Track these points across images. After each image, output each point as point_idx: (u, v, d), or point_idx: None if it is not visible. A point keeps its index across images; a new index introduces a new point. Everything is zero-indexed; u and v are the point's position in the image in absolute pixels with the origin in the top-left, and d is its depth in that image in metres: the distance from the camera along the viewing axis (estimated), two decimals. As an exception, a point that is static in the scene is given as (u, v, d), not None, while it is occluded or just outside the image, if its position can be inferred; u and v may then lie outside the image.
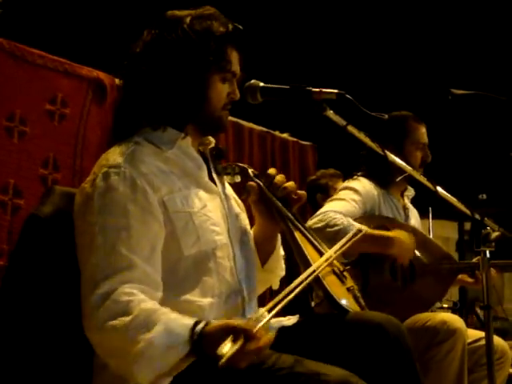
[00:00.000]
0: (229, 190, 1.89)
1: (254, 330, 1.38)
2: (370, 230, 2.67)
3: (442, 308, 3.45)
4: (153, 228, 1.61)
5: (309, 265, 1.69)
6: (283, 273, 1.98)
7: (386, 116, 1.70)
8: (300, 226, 1.80)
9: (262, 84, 1.79)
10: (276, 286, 1.97)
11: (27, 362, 1.63)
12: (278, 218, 1.80)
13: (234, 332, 1.38)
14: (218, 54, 1.71)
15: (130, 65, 1.73)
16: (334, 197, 2.94)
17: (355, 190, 2.90)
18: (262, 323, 1.41)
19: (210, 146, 1.88)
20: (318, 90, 1.72)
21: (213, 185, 1.79)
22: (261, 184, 1.81)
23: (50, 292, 1.64)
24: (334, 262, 1.83)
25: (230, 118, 4.01)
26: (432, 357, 2.64)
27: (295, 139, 4.75)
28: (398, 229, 2.83)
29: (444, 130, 4.45)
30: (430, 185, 1.85)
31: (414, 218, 3.14)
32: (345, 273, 1.85)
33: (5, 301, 1.65)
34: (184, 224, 1.65)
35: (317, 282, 1.67)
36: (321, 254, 1.78)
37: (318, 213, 2.79)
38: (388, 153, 1.80)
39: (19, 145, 2.84)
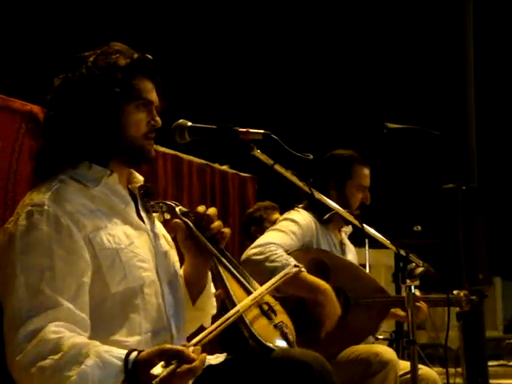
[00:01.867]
0: (158, 227, 1.89)
1: (187, 352, 1.42)
2: (305, 274, 2.70)
3: (377, 339, 3.49)
4: (78, 267, 1.60)
5: (234, 304, 1.69)
6: (214, 310, 1.98)
7: (311, 156, 1.73)
8: (227, 264, 1.80)
9: (189, 124, 1.81)
10: (208, 324, 1.96)
11: None
12: (206, 255, 1.81)
13: (168, 355, 1.42)
14: (125, 84, 1.73)
15: (46, 110, 1.78)
16: (275, 227, 2.96)
17: (295, 222, 2.94)
18: (190, 344, 1.45)
19: (138, 184, 1.88)
20: (244, 130, 1.75)
21: (140, 222, 1.79)
22: (188, 222, 1.81)
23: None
24: (265, 297, 1.84)
25: (169, 150, 4.06)
26: (366, 388, 2.68)
27: (235, 171, 4.78)
28: (335, 263, 2.87)
29: (379, 163, 4.55)
30: (356, 222, 1.89)
31: (351, 254, 3.19)
32: (276, 307, 1.86)
33: None
34: (111, 261, 1.65)
35: (241, 321, 1.67)
36: (248, 292, 1.79)
37: (258, 243, 2.80)
38: (315, 191, 1.83)
39: None
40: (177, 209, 1.84)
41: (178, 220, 1.82)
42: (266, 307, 1.81)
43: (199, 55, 4.96)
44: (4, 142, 3.01)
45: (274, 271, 2.60)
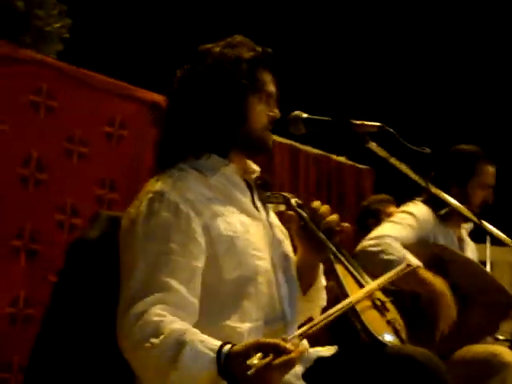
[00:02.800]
0: (273, 218, 1.91)
1: (284, 345, 1.40)
2: (421, 271, 2.65)
3: (497, 340, 3.36)
4: (193, 252, 1.64)
5: (347, 296, 1.69)
6: (324, 303, 1.98)
7: (428, 150, 1.69)
8: (342, 258, 1.80)
9: (305, 115, 1.82)
10: (316, 316, 1.97)
11: None
12: (319, 248, 1.81)
13: (264, 348, 1.41)
14: (250, 76, 1.77)
15: (173, 95, 1.81)
16: (391, 219, 2.93)
17: (413, 215, 2.89)
18: (292, 336, 1.45)
19: (254, 175, 1.90)
20: (359, 122, 1.74)
21: (256, 211, 1.82)
22: (303, 214, 1.82)
23: (93, 314, 1.69)
24: (377, 293, 1.82)
25: (286, 140, 4.10)
26: (482, 390, 2.60)
27: (352, 163, 4.74)
28: (453, 259, 2.79)
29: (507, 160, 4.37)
30: (474, 218, 1.83)
31: (471, 250, 3.08)
32: (387, 304, 1.84)
33: (51, 320, 1.71)
34: (226, 248, 1.68)
35: (353, 313, 1.67)
36: (361, 286, 1.77)
37: (374, 234, 2.78)
38: (430, 185, 1.78)
39: (78, 165, 2.94)
40: (292, 200, 1.85)
41: (291, 212, 1.83)
42: (378, 303, 1.79)
43: (315, 46, 4.95)
44: (130, 130, 3.17)
45: (389, 264, 2.57)
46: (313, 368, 1.78)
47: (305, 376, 1.76)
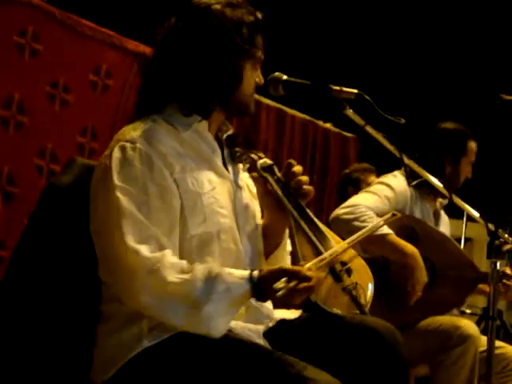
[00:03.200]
0: (243, 178, 1.90)
1: (305, 273, 1.55)
2: (393, 237, 2.70)
3: (463, 313, 3.42)
4: (171, 204, 1.65)
5: (298, 262, 1.72)
6: None
7: (403, 120, 1.70)
8: (302, 222, 1.80)
9: (285, 77, 1.82)
10: None
11: (33, 331, 1.70)
12: (283, 213, 1.82)
13: (289, 274, 1.54)
14: (250, 41, 1.75)
15: (164, 46, 1.76)
16: (368, 189, 2.95)
17: (390, 187, 2.91)
18: (309, 265, 1.61)
19: (227, 133, 1.89)
20: (338, 88, 1.74)
21: (224, 170, 1.81)
22: (268, 177, 1.82)
23: (62, 260, 1.71)
24: (344, 257, 1.83)
25: (273, 103, 4.08)
26: (442, 361, 2.65)
27: (338, 130, 4.74)
28: (426, 232, 2.83)
29: (492, 136, 4.39)
30: (445, 192, 1.85)
31: (445, 225, 3.13)
32: (355, 265, 1.84)
33: (18, 264, 1.73)
34: (192, 204, 1.68)
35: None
36: (318, 253, 1.78)
37: (349, 203, 2.81)
38: (404, 157, 1.80)
39: (60, 111, 2.93)
40: (258, 162, 1.83)
41: (255, 174, 1.83)
42: (338, 267, 1.79)
43: (299, 11, 4.91)
44: (116, 80, 3.15)
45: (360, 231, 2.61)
46: (275, 328, 1.82)
47: (266, 334, 1.79)
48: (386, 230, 2.71)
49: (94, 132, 3.07)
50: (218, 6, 1.75)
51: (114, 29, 3.18)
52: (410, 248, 2.71)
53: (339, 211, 2.78)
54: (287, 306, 1.64)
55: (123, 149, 1.66)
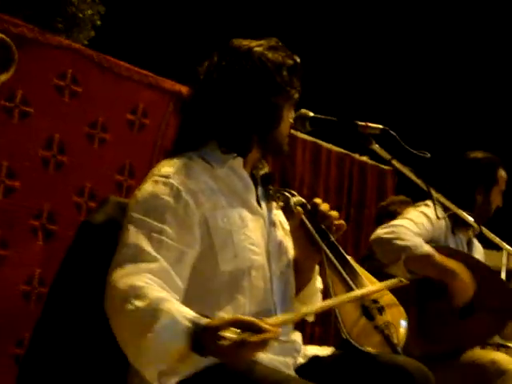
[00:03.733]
0: (277, 214, 1.92)
1: (262, 325, 1.42)
2: (436, 256, 2.68)
3: (503, 346, 3.35)
4: (185, 239, 1.66)
5: (329, 298, 1.72)
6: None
7: (428, 154, 1.72)
8: (333, 259, 1.81)
9: (311, 114, 1.85)
10: (311, 319, 1.95)
11: (70, 366, 1.74)
12: (314, 250, 1.84)
13: (241, 325, 1.42)
14: (289, 83, 1.79)
15: (205, 84, 1.80)
16: (404, 216, 2.94)
17: (427, 216, 2.90)
18: (272, 319, 1.47)
19: (262, 171, 1.92)
20: (363, 123, 1.77)
21: (258, 207, 1.84)
22: (300, 215, 1.84)
23: (93, 296, 1.74)
24: (376, 296, 1.82)
25: (309, 137, 4.10)
26: (478, 396, 2.61)
27: (374, 163, 4.74)
28: (463, 263, 2.80)
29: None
30: (475, 225, 1.85)
31: (479, 254, 3.10)
32: (384, 304, 1.84)
33: (54, 300, 1.78)
34: (223, 240, 1.71)
35: (335, 318, 1.70)
36: (350, 290, 1.79)
37: (390, 224, 2.81)
38: (432, 190, 1.81)
39: (99, 150, 3.01)
40: (291, 200, 1.87)
41: (298, 209, 1.85)
42: (370, 305, 1.79)
43: (325, 47, 4.97)
44: (152, 118, 3.23)
45: (403, 249, 2.62)
46: (306, 365, 1.82)
47: (297, 371, 1.80)
48: (431, 249, 2.70)
49: (132, 170, 3.14)
50: (259, 49, 1.80)
51: (150, 69, 3.27)
52: (453, 269, 2.70)
53: (380, 231, 2.77)
54: (235, 362, 1.46)
55: (156, 183, 1.71)
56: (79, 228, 1.83)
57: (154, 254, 1.60)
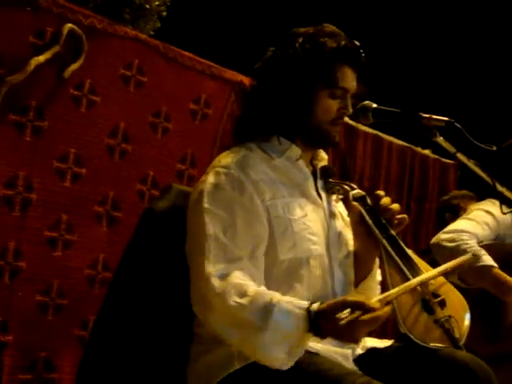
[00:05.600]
0: (337, 206, 1.94)
1: (369, 303, 1.49)
2: (496, 271, 2.64)
3: None
4: (256, 229, 1.70)
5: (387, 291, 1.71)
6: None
7: (495, 147, 1.69)
8: (392, 252, 1.80)
9: (374, 105, 1.84)
10: None
11: (133, 349, 1.79)
12: (374, 242, 1.83)
13: (351, 305, 1.50)
14: (326, 70, 1.78)
15: (253, 80, 1.89)
16: (467, 216, 2.90)
17: (490, 213, 2.85)
18: (377, 298, 1.54)
19: (321, 163, 1.94)
20: (427, 115, 1.75)
21: (317, 198, 1.86)
22: (359, 208, 1.84)
23: (158, 282, 1.79)
24: (436, 289, 1.80)
25: (370, 130, 4.08)
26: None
27: (437, 156, 4.66)
28: None
29: None
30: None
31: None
32: (446, 298, 1.82)
33: (118, 286, 1.83)
34: (283, 229, 1.73)
35: (393, 312, 1.69)
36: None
37: (451, 228, 2.77)
38: (497, 185, 1.77)
39: (161, 140, 3.06)
40: (350, 193, 1.87)
41: (354, 203, 1.85)
42: (431, 299, 1.77)
43: (392, 40, 4.90)
44: (214, 108, 3.26)
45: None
46: (364, 356, 1.82)
47: (355, 361, 1.80)
48: (490, 261, 2.66)
49: (193, 159, 3.18)
50: (300, 38, 1.82)
51: (213, 59, 3.30)
52: (509, 282, 2.64)
53: (441, 236, 2.74)
54: (351, 340, 1.55)
55: (217, 174, 1.75)
56: (143, 214, 1.87)
57: (234, 249, 1.64)
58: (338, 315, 1.49)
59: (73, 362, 2.69)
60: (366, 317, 1.48)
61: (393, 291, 1.62)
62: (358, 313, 1.48)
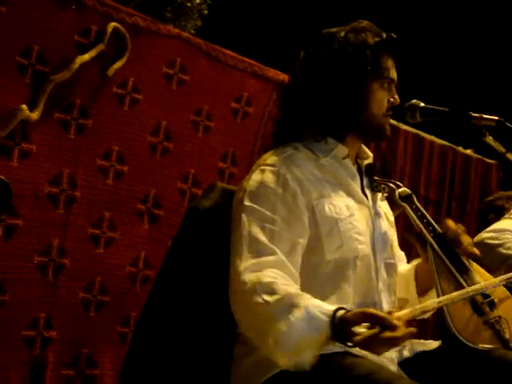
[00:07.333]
0: (382, 206, 1.91)
1: (393, 321, 1.43)
2: None
3: None
4: (296, 228, 1.69)
5: (438, 296, 1.68)
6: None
7: (546, 148, 1.65)
8: (441, 254, 1.77)
9: (422, 104, 1.82)
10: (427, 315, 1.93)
11: (176, 348, 1.79)
12: (420, 243, 1.81)
13: (373, 319, 1.45)
14: (374, 62, 1.78)
15: (292, 80, 1.86)
16: (509, 216, 2.86)
17: None
18: (400, 313, 1.48)
19: (366, 161, 1.92)
20: (477, 115, 1.72)
21: (363, 197, 1.84)
22: (406, 207, 1.82)
23: (202, 281, 1.79)
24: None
25: (411, 129, 4.04)
26: None
27: (479, 156, 4.59)
28: None
29: None
30: None
31: None
32: (496, 298, 1.78)
33: (162, 283, 1.83)
34: (329, 229, 1.72)
35: (443, 314, 1.66)
36: (459, 286, 1.73)
37: (493, 228, 2.74)
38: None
39: (203, 138, 3.07)
40: (397, 191, 1.85)
41: (399, 202, 1.83)
42: (480, 300, 1.75)
43: (440, 37, 4.83)
44: (256, 107, 3.25)
45: (507, 259, 2.54)
46: (412, 359, 1.80)
47: (402, 364, 1.78)
48: None
49: (234, 158, 3.18)
50: (342, 34, 1.81)
51: (255, 58, 3.29)
52: None
53: (484, 235, 2.72)
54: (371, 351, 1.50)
55: (263, 172, 1.74)
56: (187, 213, 1.87)
57: (270, 245, 1.63)
58: (354, 328, 1.45)
59: (114, 359, 2.71)
60: (385, 335, 1.43)
61: (420, 306, 1.56)
62: (375, 330, 1.43)
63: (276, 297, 1.53)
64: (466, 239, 1.80)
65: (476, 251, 1.79)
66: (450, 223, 1.83)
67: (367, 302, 1.74)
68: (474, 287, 1.68)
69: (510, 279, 1.74)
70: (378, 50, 1.79)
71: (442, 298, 1.62)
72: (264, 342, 1.56)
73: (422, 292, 1.89)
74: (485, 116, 1.71)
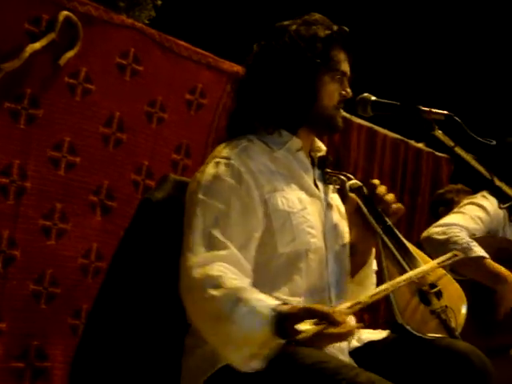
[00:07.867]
0: (334, 198, 1.94)
1: (336, 316, 1.45)
2: (489, 261, 2.65)
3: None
4: (251, 221, 1.70)
5: (384, 282, 1.72)
6: (373, 287, 2.00)
7: (494, 142, 1.69)
8: (388, 242, 1.81)
9: (373, 98, 1.84)
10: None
11: (127, 340, 1.80)
12: (370, 233, 1.84)
13: (317, 315, 1.47)
14: (324, 55, 1.80)
15: (245, 72, 1.89)
16: (459, 210, 2.91)
17: (482, 207, 2.87)
18: (341, 307, 1.52)
19: (319, 153, 1.94)
20: (427, 109, 1.75)
21: (315, 189, 1.86)
22: (356, 198, 1.84)
23: (154, 272, 1.79)
24: (433, 279, 1.82)
25: (365, 122, 4.09)
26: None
27: (430, 150, 4.67)
28: None
29: None
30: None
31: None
32: (443, 288, 1.82)
33: (114, 275, 1.82)
34: (282, 223, 1.73)
35: (389, 303, 1.70)
36: (404, 273, 1.78)
37: (441, 222, 2.79)
38: (495, 178, 1.78)
39: (156, 129, 3.05)
40: (347, 183, 1.88)
41: (349, 194, 1.86)
42: (427, 290, 1.78)
43: (391, 31, 4.91)
44: (210, 99, 3.24)
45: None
46: (361, 349, 1.83)
47: (352, 354, 1.81)
48: (482, 252, 2.67)
49: (188, 149, 3.17)
50: (293, 27, 1.83)
51: (209, 49, 3.28)
52: (504, 275, 2.65)
53: (432, 230, 2.76)
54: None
55: (217, 164, 1.75)
56: (140, 205, 1.86)
57: (223, 239, 1.64)
58: (297, 326, 1.46)
59: (65, 351, 2.68)
60: (329, 332, 1.46)
61: (364, 297, 1.59)
62: (321, 326, 1.45)
63: (222, 291, 1.54)
64: (388, 197, 1.83)
65: (400, 208, 1.82)
66: (376, 181, 1.86)
67: (317, 292, 1.77)
68: (410, 273, 1.74)
69: (448, 261, 1.79)
70: (329, 43, 1.81)
71: (374, 291, 1.67)
72: (211, 337, 1.58)
73: (353, 272, 1.91)
74: (434, 110, 1.74)
